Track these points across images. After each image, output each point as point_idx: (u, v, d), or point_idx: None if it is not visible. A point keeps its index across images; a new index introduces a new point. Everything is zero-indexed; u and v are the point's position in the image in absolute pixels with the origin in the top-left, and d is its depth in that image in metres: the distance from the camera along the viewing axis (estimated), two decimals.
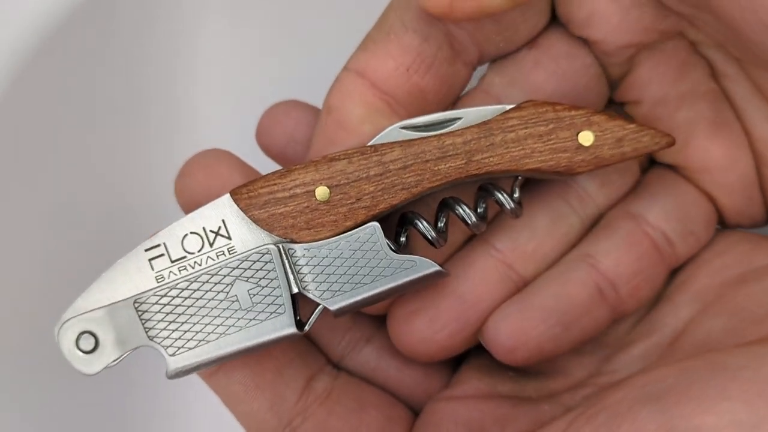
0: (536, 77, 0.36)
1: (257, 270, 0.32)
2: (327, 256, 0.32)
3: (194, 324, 0.32)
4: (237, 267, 0.32)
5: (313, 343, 0.38)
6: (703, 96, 0.36)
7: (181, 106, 0.48)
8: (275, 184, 0.33)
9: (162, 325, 0.32)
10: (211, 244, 0.32)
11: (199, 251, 0.32)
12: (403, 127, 0.34)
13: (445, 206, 0.35)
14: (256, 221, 0.32)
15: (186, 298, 0.32)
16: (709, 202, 0.38)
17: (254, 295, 0.32)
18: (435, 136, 0.33)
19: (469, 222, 0.34)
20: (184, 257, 0.32)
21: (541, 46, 0.36)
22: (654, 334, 0.37)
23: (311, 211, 0.33)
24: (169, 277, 0.32)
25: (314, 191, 0.33)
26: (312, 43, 0.48)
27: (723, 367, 0.28)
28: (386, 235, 0.33)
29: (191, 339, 0.32)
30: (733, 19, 0.32)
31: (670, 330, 0.36)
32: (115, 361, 0.32)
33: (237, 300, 0.32)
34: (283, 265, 0.32)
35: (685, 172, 0.37)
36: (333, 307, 0.33)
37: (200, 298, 0.32)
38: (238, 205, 0.32)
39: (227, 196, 0.33)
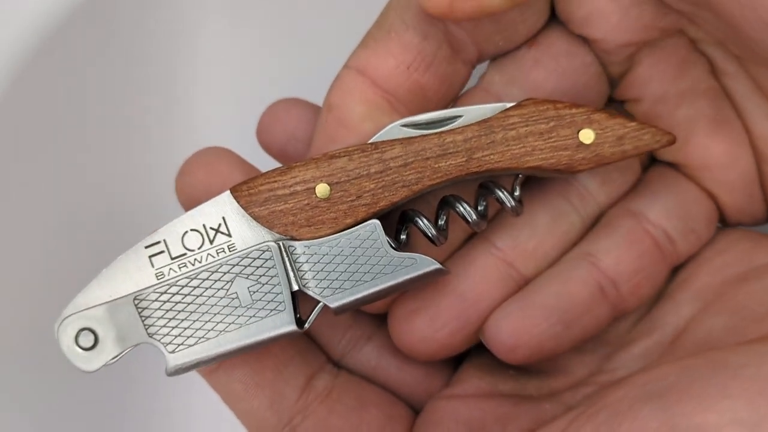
0: (536, 75, 0.36)
1: (257, 267, 0.32)
2: (327, 254, 0.32)
3: (194, 321, 0.32)
4: (237, 264, 0.32)
5: (313, 342, 0.38)
6: (703, 93, 0.36)
7: (181, 106, 0.48)
8: (275, 182, 0.33)
9: (162, 322, 0.32)
10: (211, 242, 0.32)
11: (199, 248, 0.32)
12: (404, 125, 0.34)
13: (446, 204, 0.34)
14: (256, 218, 0.32)
15: (186, 295, 0.32)
16: (710, 199, 0.37)
17: (254, 292, 0.32)
18: (436, 133, 0.33)
19: (470, 220, 0.34)
20: (185, 254, 0.32)
21: (541, 44, 0.36)
22: (655, 332, 0.37)
23: (311, 209, 0.33)
24: (169, 274, 0.32)
25: (315, 188, 0.33)
26: (312, 42, 0.48)
27: (724, 366, 0.28)
28: (387, 233, 0.33)
29: (191, 336, 0.32)
30: (732, 17, 0.32)
31: (671, 328, 0.36)
32: (114, 358, 0.32)
33: (237, 297, 0.32)
34: (284, 262, 0.32)
35: (686, 170, 0.37)
36: (333, 305, 0.33)
37: (200, 295, 0.32)
38: (238, 203, 0.32)
39: (227, 193, 0.33)
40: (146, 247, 0.32)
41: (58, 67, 0.46)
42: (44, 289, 0.44)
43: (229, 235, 0.32)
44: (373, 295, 0.33)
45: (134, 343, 0.32)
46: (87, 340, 0.32)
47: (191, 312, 0.32)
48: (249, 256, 0.32)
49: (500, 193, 0.34)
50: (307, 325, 0.33)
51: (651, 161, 0.38)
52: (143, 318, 0.32)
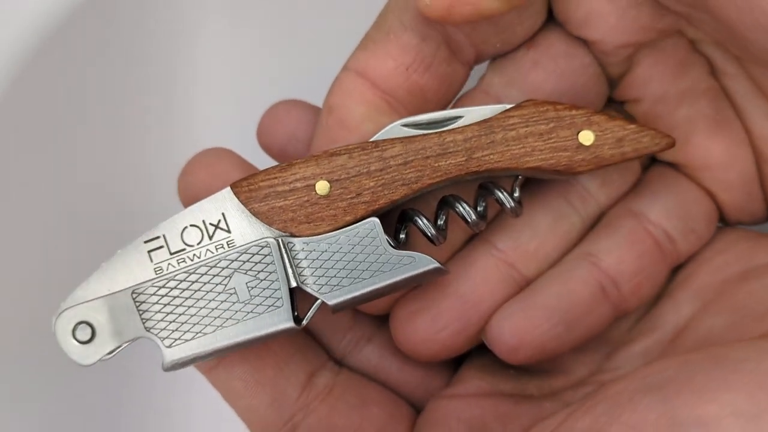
0: (535, 77, 0.36)
1: (256, 263, 0.32)
2: (326, 251, 0.32)
3: (192, 316, 0.32)
4: (236, 260, 0.32)
5: (314, 339, 0.38)
6: (703, 94, 0.36)
7: (181, 106, 0.48)
8: (275, 178, 0.33)
9: (159, 316, 0.32)
10: (210, 237, 0.32)
11: (198, 244, 0.32)
12: (405, 125, 0.34)
13: (445, 204, 0.34)
14: (255, 214, 0.32)
15: (184, 290, 0.32)
16: (710, 199, 0.38)
17: (252, 288, 0.32)
18: (436, 133, 0.33)
19: (469, 220, 0.34)
20: (183, 249, 0.32)
21: (539, 45, 0.36)
22: (655, 331, 0.37)
23: (311, 205, 0.33)
24: (167, 269, 0.32)
25: (314, 185, 0.33)
26: (312, 43, 0.48)
27: (724, 360, 0.28)
28: (386, 232, 0.33)
29: (188, 331, 0.32)
30: (729, 20, 0.32)
31: (671, 327, 0.36)
32: (111, 352, 0.32)
33: (235, 293, 0.32)
34: (282, 258, 0.32)
35: (686, 170, 0.37)
36: (331, 302, 0.32)
37: (198, 290, 0.32)
38: (238, 198, 0.32)
39: (227, 189, 0.33)
40: (145, 242, 0.32)
41: (58, 67, 0.46)
42: (43, 289, 0.44)
43: (229, 231, 0.32)
44: (371, 293, 0.33)
45: (131, 337, 0.32)
46: (84, 333, 0.32)
47: (189, 307, 0.32)
48: (248, 251, 0.32)
49: (500, 194, 0.34)
50: (304, 322, 0.33)
51: (651, 161, 0.38)
52: (141, 312, 0.32)
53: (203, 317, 0.32)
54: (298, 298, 0.33)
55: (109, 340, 0.32)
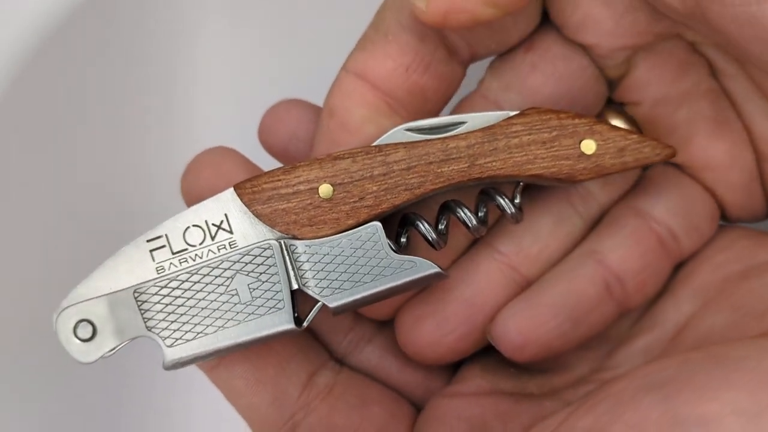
0: (534, 80, 0.36)
1: (258, 265, 0.32)
2: (328, 254, 0.32)
3: (193, 316, 0.32)
4: (238, 261, 0.32)
5: (315, 339, 0.38)
6: (703, 95, 0.36)
7: (181, 106, 0.48)
8: (279, 180, 0.33)
9: (161, 316, 0.32)
10: (212, 238, 0.32)
11: (200, 244, 0.32)
12: (408, 129, 0.34)
13: (447, 209, 0.35)
14: (258, 216, 0.32)
15: (186, 290, 0.32)
16: (712, 197, 0.38)
17: (254, 289, 0.32)
18: (439, 138, 0.33)
19: (470, 225, 0.34)
20: (186, 249, 0.32)
21: (537, 49, 0.36)
22: (656, 328, 0.37)
23: (314, 208, 0.33)
24: (169, 269, 0.32)
25: (318, 189, 0.33)
26: (312, 43, 0.48)
27: (725, 358, 0.28)
28: (387, 236, 0.33)
29: (189, 331, 0.32)
30: (729, 33, 0.32)
31: (672, 325, 0.36)
32: (112, 350, 0.32)
33: (237, 294, 0.32)
34: (284, 260, 0.32)
35: (688, 170, 0.37)
36: (332, 305, 0.32)
37: (200, 290, 0.32)
38: (241, 200, 0.32)
39: (231, 190, 0.33)
40: (148, 241, 0.32)
41: (58, 67, 0.46)
42: (43, 289, 0.44)
43: (231, 232, 0.32)
44: (372, 296, 0.33)
45: (132, 335, 0.32)
46: (85, 331, 0.31)
47: (190, 307, 0.32)
48: (250, 253, 0.32)
49: (501, 200, 0.35)
50: (305, 324, 0.33)
51: None
52: (142, 311, 0.32)
53: (205, 317, 0.32)
54: (299, 300, 0.33)
55: (110, 339, 0.32)
